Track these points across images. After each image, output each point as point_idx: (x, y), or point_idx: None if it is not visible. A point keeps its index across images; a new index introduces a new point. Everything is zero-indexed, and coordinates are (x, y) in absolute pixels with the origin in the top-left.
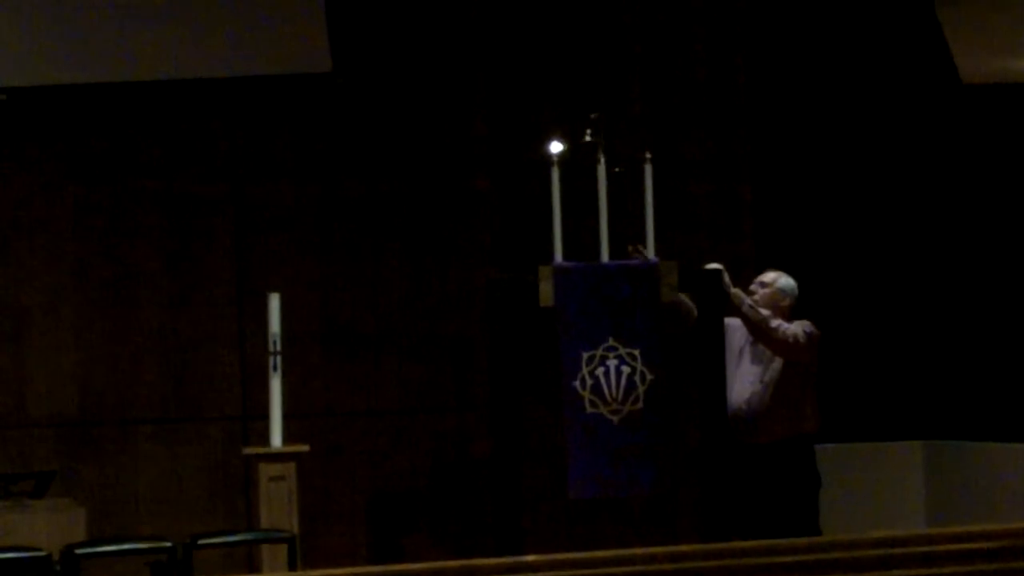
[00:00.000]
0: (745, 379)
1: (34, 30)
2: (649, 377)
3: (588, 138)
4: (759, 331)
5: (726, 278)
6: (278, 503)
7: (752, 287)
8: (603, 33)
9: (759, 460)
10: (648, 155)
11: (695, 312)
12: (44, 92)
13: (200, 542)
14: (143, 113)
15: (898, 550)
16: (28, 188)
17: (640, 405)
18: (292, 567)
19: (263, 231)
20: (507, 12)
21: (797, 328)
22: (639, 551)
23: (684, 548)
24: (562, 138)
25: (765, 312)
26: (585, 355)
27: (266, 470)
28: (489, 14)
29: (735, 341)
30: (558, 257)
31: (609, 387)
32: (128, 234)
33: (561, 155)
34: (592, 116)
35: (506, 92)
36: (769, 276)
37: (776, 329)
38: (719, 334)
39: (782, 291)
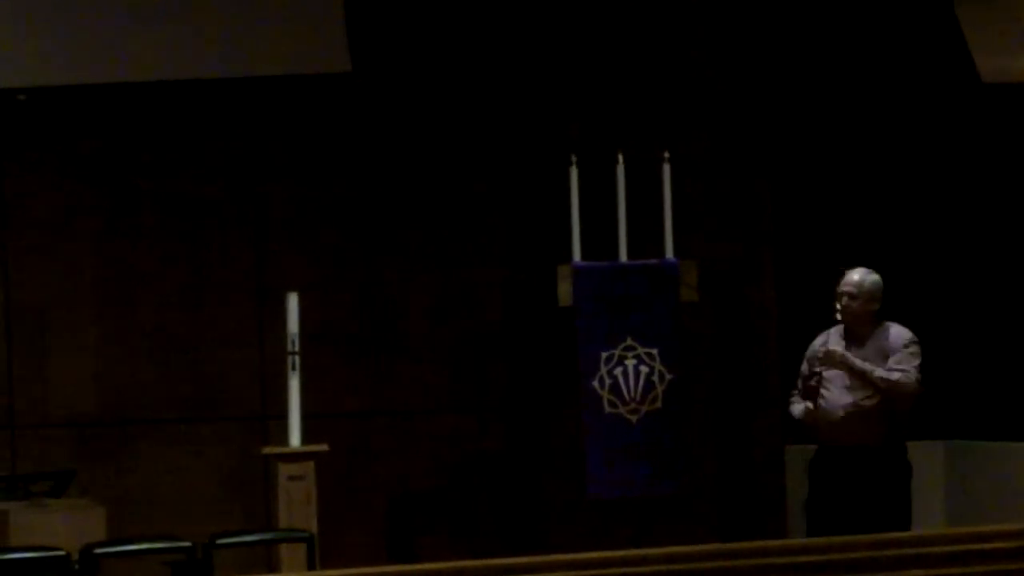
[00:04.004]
0: (844, 385)
1: (35, 30)
2: (667, 377)
3: None
4: (866, 381)
5: (838, 353)
6: (297, 502)
7: (845, 303)
8: (609, 34)
9: (858, 462)
10: (666, 154)
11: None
12: (45, 92)
13: (219, 542)
14: (143, 113)
15: (910, 550)
16: (28, 188)
17: (659, 405)
18: (311, 567)
19: (278, 231)
20: (517, 14)
21: (902, 375)
22: (654, 551)
23: (678, 549)
24: (577, 138)
25: (869, 366)
26: (604, 355)
27: (285, 469)
28: (500, 16)
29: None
30: (576, 257)
31: (628, 387)
32: (130, 234)
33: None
34: None
35: (519, 94)
36: (853, 283)
37: (881, 379)
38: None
39: (871, 294)
